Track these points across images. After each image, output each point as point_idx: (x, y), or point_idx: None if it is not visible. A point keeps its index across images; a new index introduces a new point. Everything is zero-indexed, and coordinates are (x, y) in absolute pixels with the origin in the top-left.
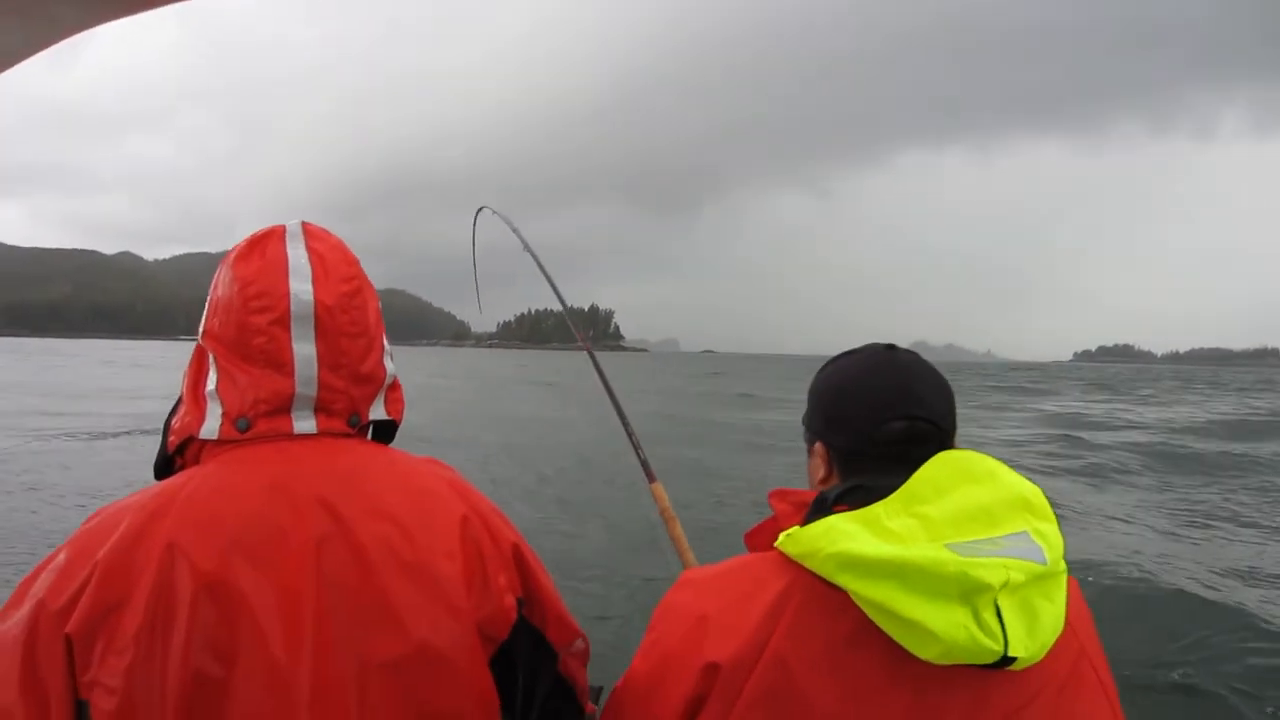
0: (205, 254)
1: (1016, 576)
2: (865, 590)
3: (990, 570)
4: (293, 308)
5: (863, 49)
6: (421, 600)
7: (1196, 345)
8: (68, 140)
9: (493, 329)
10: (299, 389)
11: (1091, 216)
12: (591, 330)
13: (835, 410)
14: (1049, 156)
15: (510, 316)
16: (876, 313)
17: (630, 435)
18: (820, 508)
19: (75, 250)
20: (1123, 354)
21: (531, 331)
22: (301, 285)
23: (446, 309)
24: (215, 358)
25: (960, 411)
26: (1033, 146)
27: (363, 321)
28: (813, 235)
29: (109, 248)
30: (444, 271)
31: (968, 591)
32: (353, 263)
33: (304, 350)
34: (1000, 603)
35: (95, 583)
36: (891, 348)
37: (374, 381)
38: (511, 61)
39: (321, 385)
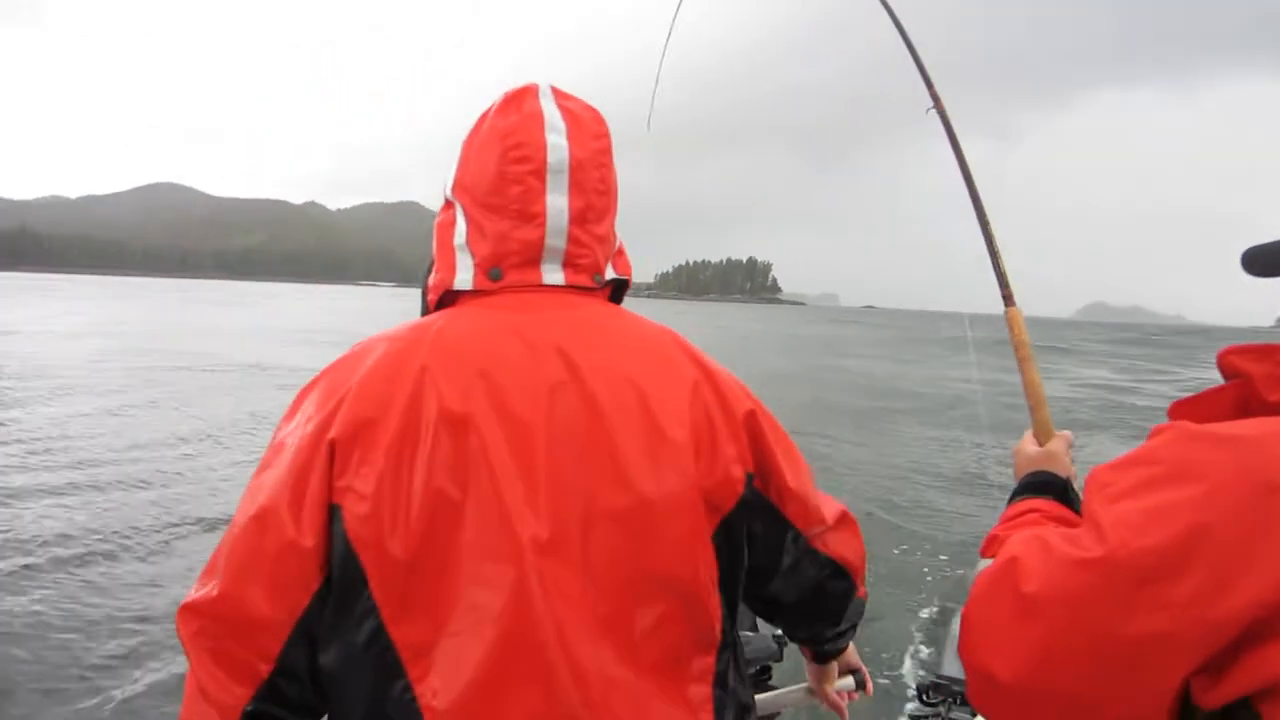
0: (381, 204)
1: None
2: None
3: None
4: (549, 159)
5: None
6: (648, 459)
7: None
8: (249, 90)
9: (650, 280)
10: (549, 240)
11: None
12: (749, 284)
13: None
14: (1258, 92)
15: (668, 267)
16: (1051, 269)
17: (989, 240)
18: None
19: (268, 201)
20: None
21: (689, 282)
22: (557, 139)
23: None
24: (464, 209)
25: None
26: (1238, 82)
27: (609, 180)
28: (985, 183)
29: (297, 198)
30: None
31: None
32: (601, 121)
33: (556, 202)
34: None
35: (353, 398)
36: None
37: (608, 242)
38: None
39: (570, 239)
